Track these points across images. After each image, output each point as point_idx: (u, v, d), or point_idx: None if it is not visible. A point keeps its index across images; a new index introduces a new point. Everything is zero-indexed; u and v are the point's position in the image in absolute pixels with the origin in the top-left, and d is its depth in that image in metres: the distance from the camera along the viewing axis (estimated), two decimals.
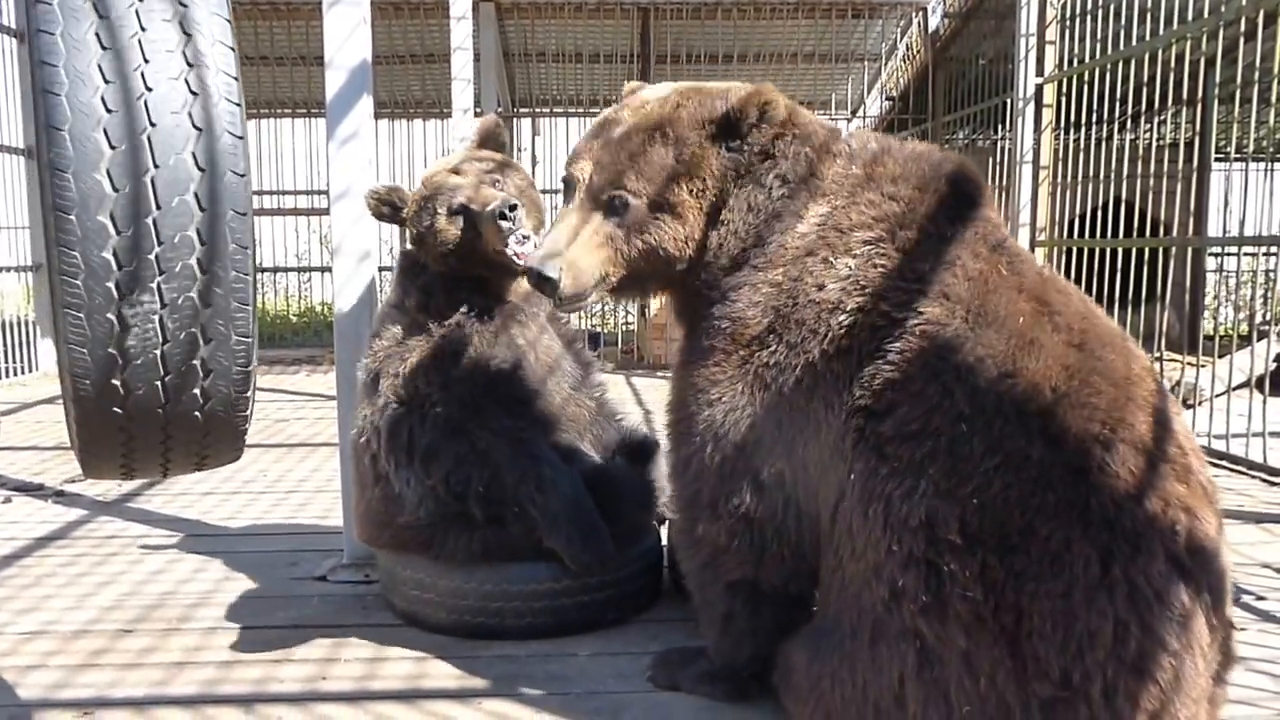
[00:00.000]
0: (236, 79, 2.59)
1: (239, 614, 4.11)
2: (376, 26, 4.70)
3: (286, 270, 17.84)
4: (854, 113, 15.71)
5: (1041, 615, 2.37)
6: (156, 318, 2.52)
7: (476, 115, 9.87)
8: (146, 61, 2.50)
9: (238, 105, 2.57)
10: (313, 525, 5.40)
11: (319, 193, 16.50)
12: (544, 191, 16.22)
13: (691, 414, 3.14)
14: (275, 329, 15.67)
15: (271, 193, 16.67)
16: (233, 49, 2.60)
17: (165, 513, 5.63)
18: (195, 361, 2.58)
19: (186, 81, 2.52)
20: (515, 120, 15.81)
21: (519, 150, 16.04)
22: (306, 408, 9.49)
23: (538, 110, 16.05)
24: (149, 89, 2.49)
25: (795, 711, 2.95)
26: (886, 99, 15.22)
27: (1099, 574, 2.37)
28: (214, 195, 2.52)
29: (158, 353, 2.54)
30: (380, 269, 14.67)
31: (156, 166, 2.48)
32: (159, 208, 2.48)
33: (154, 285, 2.50)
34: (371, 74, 4.45)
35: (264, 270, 17.86)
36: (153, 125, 2.48)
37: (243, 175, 2.56)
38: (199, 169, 2.52)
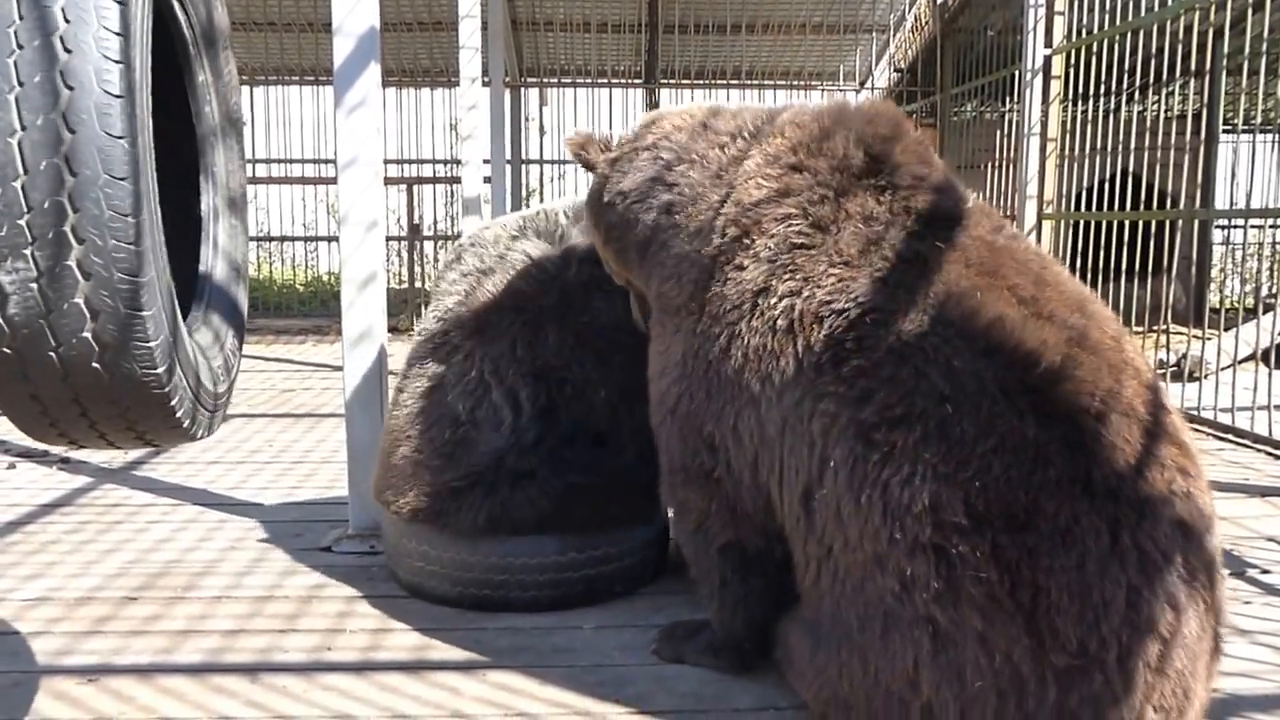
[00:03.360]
0: (121, 35, 2.51)
1: (244, 583, 4.12)
2: None
3: (293, 239, 17.82)
4: (862, 84, 15.65)
5: (1058, 589, 2.37)
6: (35, 286, 2.46)
7: (484, 84, 9.86)
8: (21, 19, 2.45)
9: (119, 63, 2.49)
10: (318, 496, 5.42)
11: (326, 161, 16.48)
12: (552, 162, 16.33)
13: (651, 385, 3.31)
14: (282, 298, 15.65)
15: (279, 161, 16.65)
16: (120, 2, 2.53)
17: (171, 481, 5.64)
18: (86, 334, 2.51)
19: (62, 39, 2.46)
20: (523, 90, 15.77)
21: (526, 120, 16.01)
22: (313, 378, 9.49)
23: (545, 80, 16.00)
24: (20, 48, 2.43)
25: (801, 690, 2.96)
26: (895, 70, 15.15)
27: (1109, 543, 2.38)
28: (85, 159, 2.46)
29: (43, 323, 2.48)
30: (388, 238, 14.67)
31: (24, 128, 2.42)
32: (26, 171, 2.42)
33: (27, 252, 2.44)
34: (379, 41, 4.44)
35: (270, 239, 17.86)
36: (20, 85, 2.42)
37: (119, 137, 2.49)
38: (69, 131, 2.45)
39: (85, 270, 2.47)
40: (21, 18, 2.44)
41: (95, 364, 2.55)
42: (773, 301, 2.86)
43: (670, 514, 3.40)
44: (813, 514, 2.76)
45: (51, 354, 2.52)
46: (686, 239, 3.14)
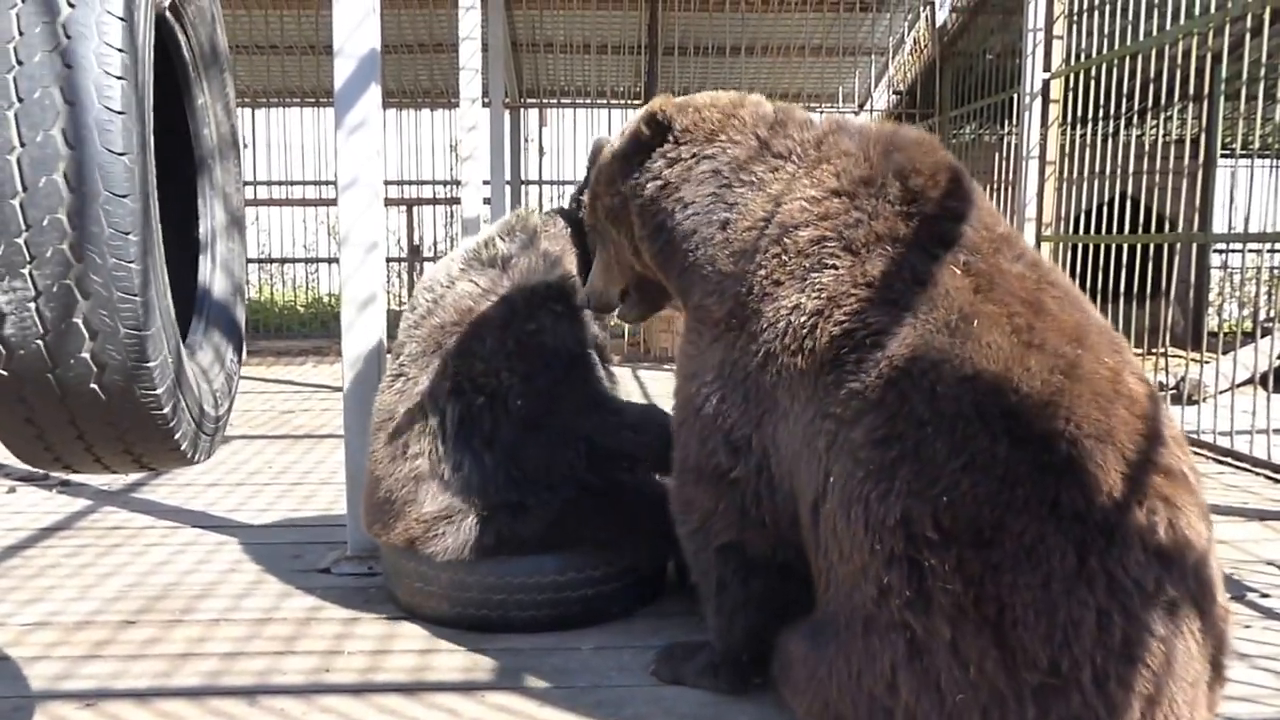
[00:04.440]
0: (122, 50, 2.49)
1: (242, 606, 4.12)
2: (385, 16, 4.69)
3: (294, 261, 17.80)
4: (861, 106, 15.65)
5: (1023, 606, 2.42)
6: (33, 306, 2.44)
7: (484, 105, 9.88)
8: (21, 35, 2.43)
9: (119, 78, 2.47)
10: (317, 517, 5.42)
11: (327, 183, 16.49)
12: (552, 182, 16.33)
13: (679, 389, 3.37)
14: (282, 320, 15.65)
15: (279, 183, 16.66)
16: (123, 19, 2.51)
17: (170, 504, 5.64)
18: (84, 355, 2.48)
19: (62, 54, 2.44)
20: (523, 111, 15.79)
21: (526, 141, 16.03)
22: (313, 399, 9.50)
23: (545, 101, 16.02)
24: (20, 63, 2.42)
25: (793, 703, 2.99)
26: (894, 93, 15.16)
27: (1076, 565, 2.41)
28: (85, 175, 2.44)
29: (40, 344, 2.46)
30: (388, 260, 14.67)
31: (23, 144, 2.40)
32: (25, 189, 2.41)
33: (25, 271, 2.42)
34: (380, 63, 4.45)
35: (271, 261, 17.86)
36: (20, 101, 2.40)
37: (121, 154, 2.47)
38: (69, 146, 2.43)
39: (85, 289, 2.45)
40: (21, 34, 2.43)
41: (93, 385, 2.54)
42: (803, 319, 2.93)
43: (674, 515, 3.41)
44: (819, 527, 2.84)
45: (49, 375, 2.50)
46: (733, 257, 3.20)
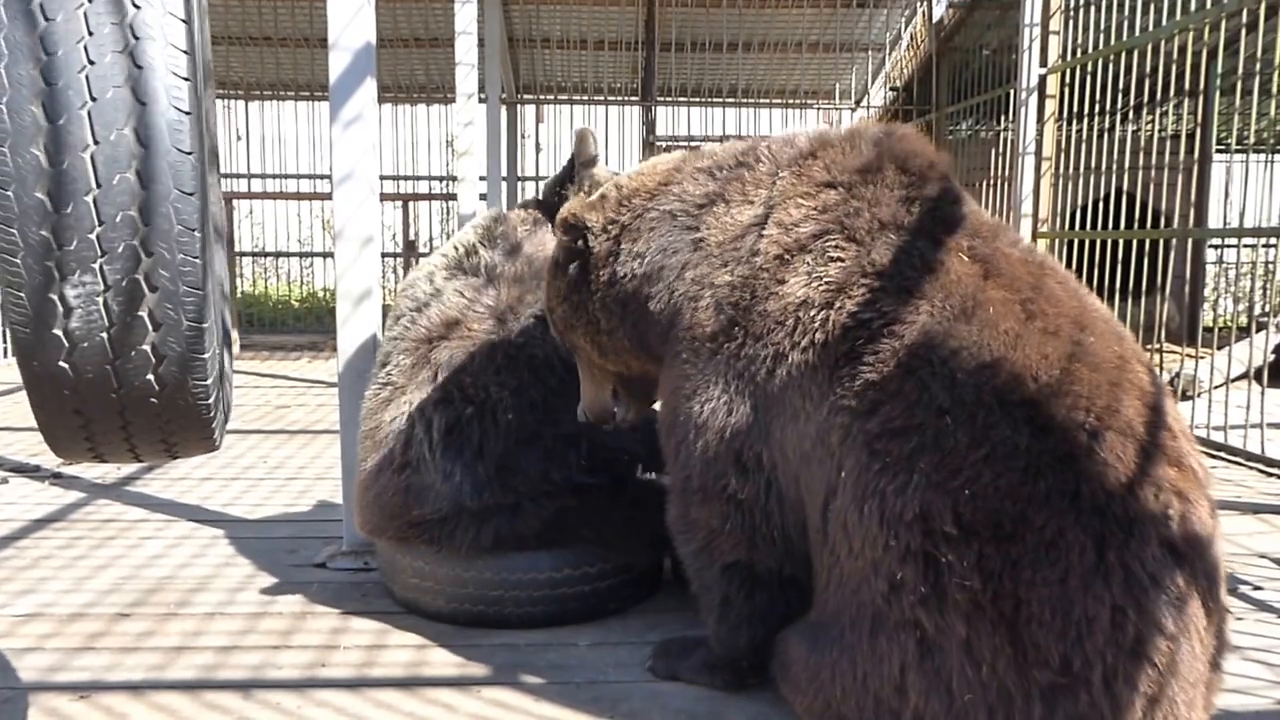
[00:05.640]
0: (188, 53, 2.53)
1: (237, 599, 4.11)
2: (380, 9, 4.69)
3: (289, 255, 17.80)
4: (858, 103, 15.67)
5: (1039, 602, 2.39)
6: (100, 300, 2.47)
7: (480, 101, 9.87)
8: (91, 34, 2.46)
9: (185, 79, 2.50)
10: (312, 512, 5.42)
11: (322, 177, 16.49)
12: (546, 178, 16.29)
13: (675, 408, 3.23)
14: (277, 314, 15.64)
15: (274, 176, 16.65)
16: (185, 21, 2.54)
17: (164, 497, 5.63)
18: (145, 347, 2.52)
19: (132, 55, 2.47)
20: (519, 107, 15.78)
21: (523, 138, 16.01)
22: (308, 394, 9.49)
23: (542, 97, 16.01)
24: (91, 63, 2.44)
25: (793, 701, 2.96)
26: (890, 89, 15.17)
27: (1094, 560, 2.38)
28: (156, 173, 2.47)
29: (104, 336, 2.49)
30: (383, 255, 14.67)
31: (96, 143, 2.43)
32: (99, 185, 2.43)
33: (95, 266, 2.45)
34: (375, 57, 4.44)
35: (266, 255, 17.87)
36: (93, 100, 2.43)
37: (189, 153, 2.50)
38: (140, 145, 2.46)
39: (152, 283, 2.48)
40: (91, 34, 2.45)
41: (149, 376, 2.57)
42: (811, 314, 2.88)
43: (675, 533, 3.36)
44: (828, 523, 2.79)
45: (107, 367, 2.53)
46: (724, 268, 3.12)
